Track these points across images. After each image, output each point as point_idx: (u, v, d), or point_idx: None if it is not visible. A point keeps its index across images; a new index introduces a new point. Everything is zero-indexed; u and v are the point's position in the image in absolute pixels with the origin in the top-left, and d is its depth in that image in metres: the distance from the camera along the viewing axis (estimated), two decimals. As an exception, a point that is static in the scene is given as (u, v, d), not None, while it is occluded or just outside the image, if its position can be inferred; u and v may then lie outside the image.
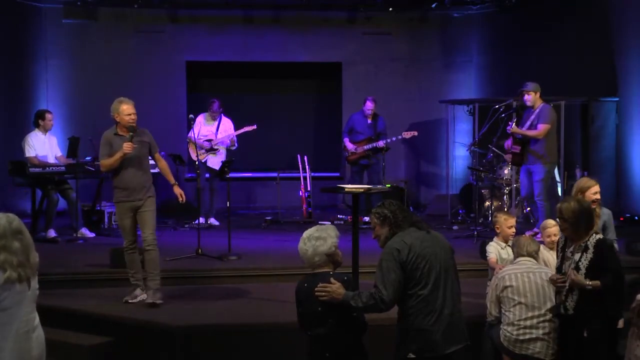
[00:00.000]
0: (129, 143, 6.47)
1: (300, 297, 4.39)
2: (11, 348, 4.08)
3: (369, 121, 10.52)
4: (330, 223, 10.28)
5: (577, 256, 4.76)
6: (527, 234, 6.93)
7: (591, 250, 4.73)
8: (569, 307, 4.77)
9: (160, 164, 6.91)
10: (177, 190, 6.87)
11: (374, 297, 4.22)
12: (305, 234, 4.42)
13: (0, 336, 4.03)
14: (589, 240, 4.77)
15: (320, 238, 4.34)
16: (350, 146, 10.48)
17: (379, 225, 4.46)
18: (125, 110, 6.55)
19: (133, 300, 6.56)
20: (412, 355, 4.28)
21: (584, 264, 4.71)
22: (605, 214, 6.00)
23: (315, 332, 4.33)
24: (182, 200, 6.89)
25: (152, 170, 10.31)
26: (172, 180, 6.93)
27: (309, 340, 4.39)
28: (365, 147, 10.39)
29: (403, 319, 4.34)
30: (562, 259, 4.89)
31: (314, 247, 4.34)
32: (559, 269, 4.89)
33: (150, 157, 6.81)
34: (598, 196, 5.88)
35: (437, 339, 4.25)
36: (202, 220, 9.49)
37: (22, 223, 4.15)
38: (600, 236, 4.83)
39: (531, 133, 8.16)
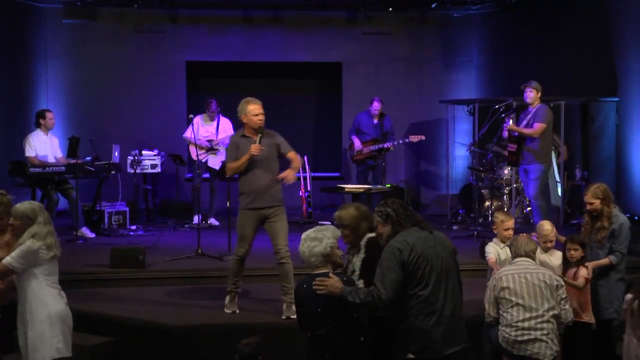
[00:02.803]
0: (257, 145, 6.06)
1: (300, 297, 4.40)
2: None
3: (375, 121, 10.53)
4: (330, 223, 10.28)
5: (354, 258, 4.72)
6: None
7: (363, 250, 4.69)
8: None
9: (294, 164, 6.27)
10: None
11: (372, 295, 4.22)
12: (304, 234, 4.44)
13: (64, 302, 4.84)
14: (362, 240, 4.71)
15: (316, 239, 4.36)
16: (357, 144, 10.44)
17: (382, 224, 4.47)
18: (253, 110, 6.15)
19: (230, 310, 6.27)
20: (411, 356, 4.28)
21: (357, 265, 4.66)
22: (616, 222, 5.93)
23: (316, 333, 4.33)
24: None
25: (152, 171, 10.53)
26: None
27: (309, 341, 4.40)
28: (372, 147, 10.38)
29: (403, 319, 4.33)
30: (347, 262, 4.80)
31: (310, 247, 4.37)
32: (345, 271, 4.74)
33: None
34: (588, 207, 5.92)
35: (437, 339, 4.25)
36: (198, 218, 9.44)
37: None
38: (372, 235, 4.67)
39: (527, 131, 8.18)
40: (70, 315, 4.91)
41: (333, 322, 4.29)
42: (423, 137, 10.36)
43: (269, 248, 8.56)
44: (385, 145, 10.31)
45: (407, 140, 10.36)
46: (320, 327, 4.31)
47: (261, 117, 6.19)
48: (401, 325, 4.36)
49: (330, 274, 4.30)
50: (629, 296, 4.84)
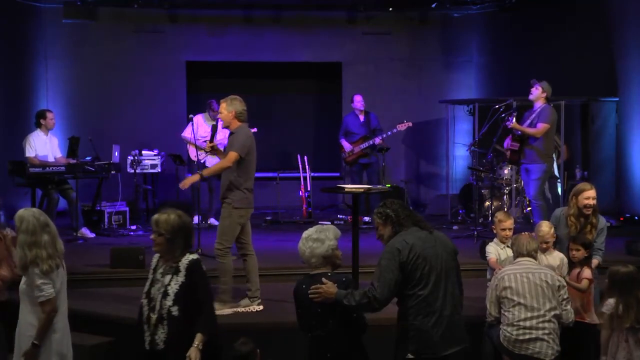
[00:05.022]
0: (207, 143, 6.76)
1: (299, 298, 4.39)
2: (62, 329, 4.60)
3: (362, 119, 10.50)
4: (330, 223, 10.29)
5: (167, 279, 4.26)
6: None
7: (183, 272, 4.23)
8: (158, 340, 4.21)
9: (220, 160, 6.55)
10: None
11: (367, 296, 4.22)
12: (305, 233, 4.42)
13: (60, 317, 4.58)
14: (181, 261, 4.26)
15: (318, 240, 4.34)
16: (347, 146, 10.43)
17: (382, 225, 4.46)
18: None
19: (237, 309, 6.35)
20: (410, 356, 4.28)
21: (173, 288, 4.21)
22: (601, 221, 6.03)
23: (316, 333, 4.32)
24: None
25: (152, 171, 10.53)
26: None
27: (310, 341, 4.39)
28: (362, 145, 10.36)
29: (403, 319, 4.33)
30: (151, 282, 4.35)
31: (311, 248, 4.35)
32: (147, 293, 4.33)
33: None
34: (591, 202, 5.92)
35: (437, 340, 4.25)
36: (197, 218, 9.43)
37: (46, 216, 4.61)
38: (194, 257, 4.30)
39: (530, 131, 8.17)
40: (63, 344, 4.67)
41: (333, 323, 4.28)
42: (410, 124, 10.28)
43: (269, 248, 8.64)
44: (375, 141, 10.26)
45: (395, 130, 10.28)
46: (320, 328, 4.30)
47: (219, 114, 6.55)
48: (401, 325, 4.36)
49: (324, 279, 4.29)
50: (611, 301, 4.83)
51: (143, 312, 4.29)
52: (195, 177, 6.74)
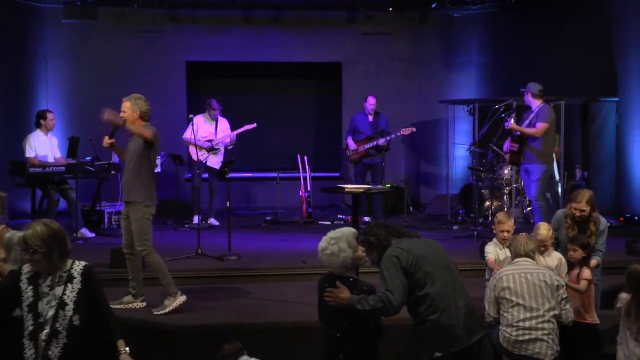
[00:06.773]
0: (105, 138, 6.48)
1: (320, 292, 4.45)
2: None
3: (371, 119, 10.46)
4: (330, 223, 10.29)
5: (58, 290, 3.87)
6: None
7: (79, 279, 3.92)
8: (52, 356, 3.79)
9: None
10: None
11: (383, 300, 4.24)
12: (320, 246, 4.46)
13: None
14: (72, 268, 3.94)
15: (332, 254, 4.39)
16: (352, 144, 10.41)
17: (369, 251, 4.55)
18: None
19: (118, 306, 6.31)
20: (438, 354, 4.31)
21: (70, 297, 3.86)
22: (602, 224, 6.08)
23: (331, 332, 4.37)
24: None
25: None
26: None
27: (325, 340, 4.44)
28: (366, 145, 10.33)
29: (421, 322, 4.36)
30: (35, 297, 3.86)
31: (329, 262, 4.42)
32: (31, 307, 3.82)
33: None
34: (577, 213, 5.95)
35: (459, 332, 4.30)
36: (197, 218, 9.44)
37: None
38: (85, 263, 4.00)
39: (529, 131, 8.17)
40: None
41: (347, 326, 4.31)
42: (414, 129, 10.28)
43: (269, 248, 8.63)
44: (379, 142, 10.24)
45: (399, 133, 10.28)
46: (335, 328, 4.35)
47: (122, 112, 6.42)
48: (421, 328, 4.37)
49: (338, 283, 4.32)
50: (624, 295, 4.84)
51: (25, 329, 3.81)
52: (118, 120, 6.44)
